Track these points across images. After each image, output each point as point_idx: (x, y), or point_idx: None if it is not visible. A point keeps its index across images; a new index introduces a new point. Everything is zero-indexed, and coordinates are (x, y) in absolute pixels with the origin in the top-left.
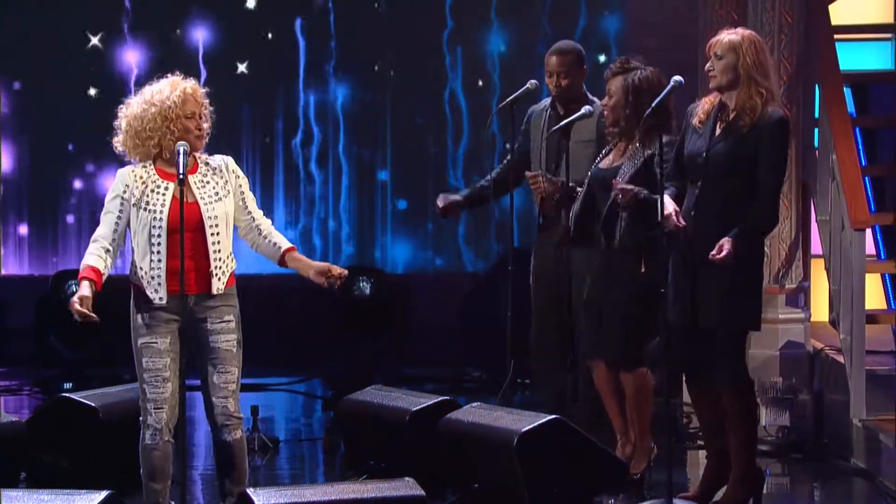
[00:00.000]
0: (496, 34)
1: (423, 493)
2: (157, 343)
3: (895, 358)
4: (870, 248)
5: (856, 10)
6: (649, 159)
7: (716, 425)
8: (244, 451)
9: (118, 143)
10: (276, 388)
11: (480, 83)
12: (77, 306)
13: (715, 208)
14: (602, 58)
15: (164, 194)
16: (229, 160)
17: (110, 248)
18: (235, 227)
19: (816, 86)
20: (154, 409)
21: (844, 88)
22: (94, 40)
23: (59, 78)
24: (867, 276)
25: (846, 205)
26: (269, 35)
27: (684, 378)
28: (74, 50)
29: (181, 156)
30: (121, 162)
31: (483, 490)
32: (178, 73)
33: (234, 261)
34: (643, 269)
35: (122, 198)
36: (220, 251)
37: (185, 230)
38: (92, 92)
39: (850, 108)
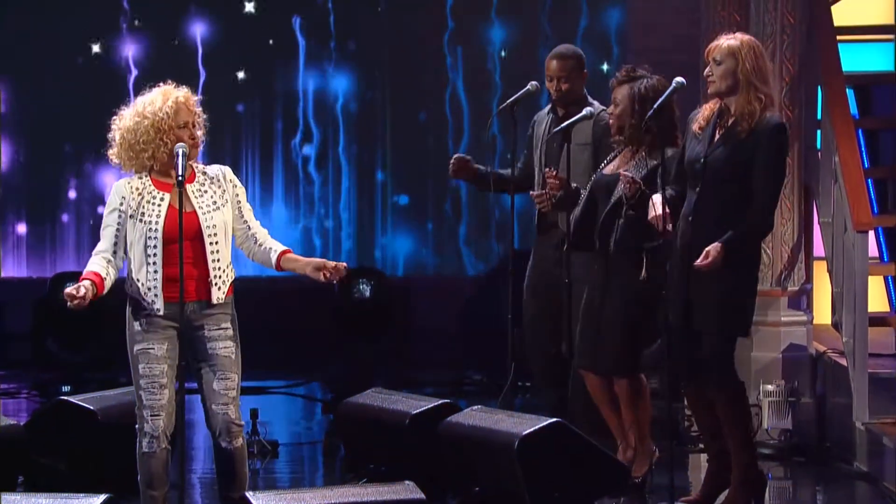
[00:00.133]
0: (497, 34)
1: (423, 496)
2: (153, 349)
3: None
4: (872, 250)
5: (856, 11)
6: (654, 170)
7: (714, 428)
8: (245, 458)
9: (113, 155)
10: (276, 391)
11: (481, 83)
12: (69, 290)
13: (713, 214)
14: (605, 67)
15: (159, 205)
16: (226, 169)
17: (112, 260)
18: (233, 237)
19: (819, 87)
20: (151, 416)
21: (847, 90)
22: (95, 48)
23: (57, 77)
24: (870, 278)
25: (849, 207)
26: (269, 31)
27: (682, 382)
28: (73, 49)
29: (180, 157)
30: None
31: (484, 494)
32: (170, 81)
33: (234, 271)
34: (643, 275)
35: (120, 210)
36: (218, 260)
37: (184, 239)
38: (91, 91)
39: (853, 109)
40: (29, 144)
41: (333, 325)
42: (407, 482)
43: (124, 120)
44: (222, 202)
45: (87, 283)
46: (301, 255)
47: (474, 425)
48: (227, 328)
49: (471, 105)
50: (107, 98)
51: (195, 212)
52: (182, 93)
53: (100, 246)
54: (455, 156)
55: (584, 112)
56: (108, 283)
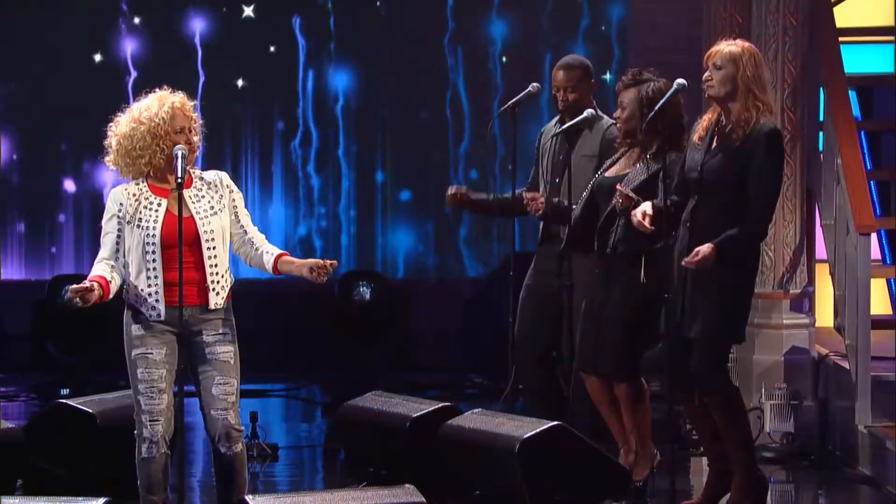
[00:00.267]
0: (498, 35)
1: (423, 500)
2: (152, 354)
3: None
4: (875, 252)
5: (857, 12)
6: (655, 174)
7: (712, 432)
8: (244, 464)
9: (109, 162)
10: (276, 395)
11: (482, 84)
12: (76, 286)
13: (711, 221)
14: (607, 76)
15: (156, 210)
16: (223, 175)
17: (115, 266)
18: (231, 242)
19: (821, 89)
20: (149, 421)
21: (849, 92)
22: (97, 56)
23: (56, 75)
24: (872, 281)
25: (851, 209)
26: (269, 31)
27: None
28: (73, 47)
29: (179, 159)
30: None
31: (484, 497)
32: (166, 87)
33: (233, 277)
34: (643, 278)
35: (118, 216)
36: (216, 265)
37: (182, 244)
38: (91, 91)
39: (856, 111)
40: (27, 145)
41: (333, 327)
42: (407, 486)
43: (120, 126)
44: (219, 207)
45: (94, 283)
46: (299, 258)
47: (475, 428)
48: (226, 333)
49: (471, 106)
50: (106, 99)
51: (192, 217)
52: (178, 98)
53: (102, 253)
54: (450, 191)
55: (585, 114)
56: (113, 288)
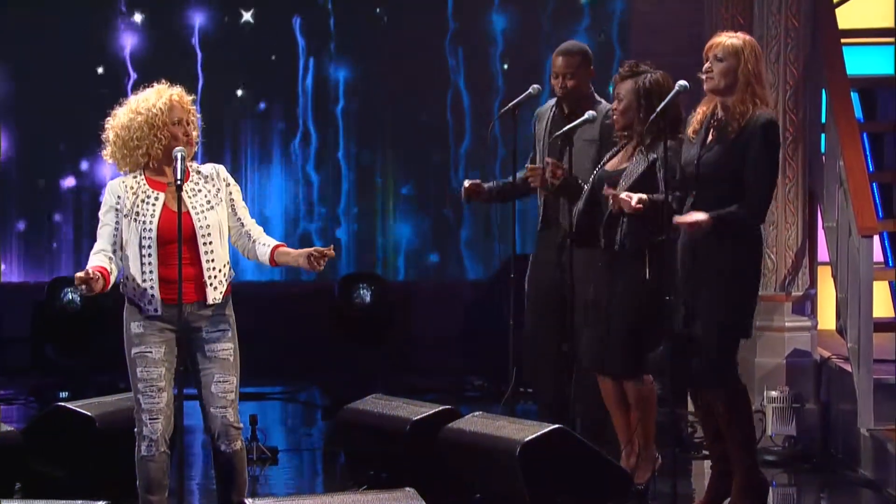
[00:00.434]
0: (498, 36)
1: (424, 503)
2: (151, 353)
3: None
4: (877, 255)
5: (858, 14)
6: (653, 164)
7: (716, 430)
8: (244, 462)
9: (107, 155)
10: (275, 397)
11: (482, 84)
12: (81, 273)
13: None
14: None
15: (153, 204)
16: (220, 168)
17: (112, 258)
18: (229, 235)
19: (823, 90)
20: (149, 419)
21: (852, 93)
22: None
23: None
24: (875, 283)
25: (853, 211)
26: (269, 32)
27: (688, 384)
28: (71, 46)
29: (178, 161)
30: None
31: (485, 500)
32: (164, 81)
33: (232, 270)
34: (647, 275)
35: (116, 209)
36: (213, 260)
37: (181, 242)
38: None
39: (858, 113)
40: (26, 146)
41: (333, 330)
42: (407, 489)
43: (118, 118)
44: (216, 201)
45: (98, 273)
46: (290, 248)
47: (475, 431)
48: (226, 330)
49: (472, 107)
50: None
51: (188, 212)
52: (176, 91)
53: (99, 245)
54: (465, 184)
55: (586, 115)
56: (112, 280)
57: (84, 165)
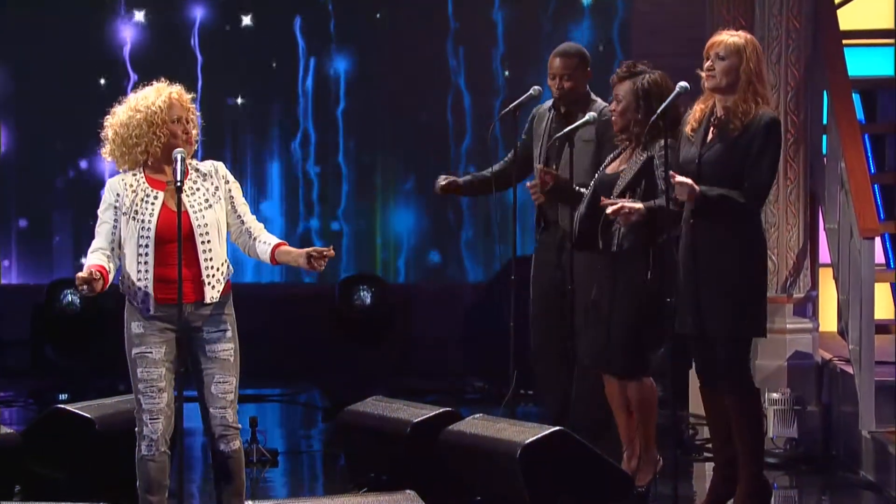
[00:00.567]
0: (499, 37)
1: None
2: (151, 353)
3: None
4: (879, 256)
5: (859, 15)
6: (648, 162)
7: (726, 435)
8: (242, 463)
9: (106, 152)
10: (275, 399)
11: (483, 85)
12: (82, 274)
13: (712, 213)
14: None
15: (153, 203)
16: (219, 165)
17: (111, 255)
18: (228, 232)
19: (824, 92)
20: (150, 420)
21: (853, 95)
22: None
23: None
24: (876, 285)
25: (855, 213)
26: (269, 32)
27: (699, 386)
28: (71, 46)
29: (178, 163)
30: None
31: (486, 503)
32: (162, 79)
33: (231, 268)
34: (649, 276)
35: (115, 207)
36: (211, 259)
37: (176, 239)
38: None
39: (859, 114)
40: (25, 145)
41: (334, 332)
42: (408, 491)
43: (117, 115)
44: (214, 199)
45: (98, 273)
46: (291, 248)
47: (476, 434)
48: (226, 330)
49: (473, 107)
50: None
51: (186, 212)
52: (176, 89)
53: (97, 242)
54: (440, 181)
55: (587, 117)
56: (110, 278)
57: (83, 164)
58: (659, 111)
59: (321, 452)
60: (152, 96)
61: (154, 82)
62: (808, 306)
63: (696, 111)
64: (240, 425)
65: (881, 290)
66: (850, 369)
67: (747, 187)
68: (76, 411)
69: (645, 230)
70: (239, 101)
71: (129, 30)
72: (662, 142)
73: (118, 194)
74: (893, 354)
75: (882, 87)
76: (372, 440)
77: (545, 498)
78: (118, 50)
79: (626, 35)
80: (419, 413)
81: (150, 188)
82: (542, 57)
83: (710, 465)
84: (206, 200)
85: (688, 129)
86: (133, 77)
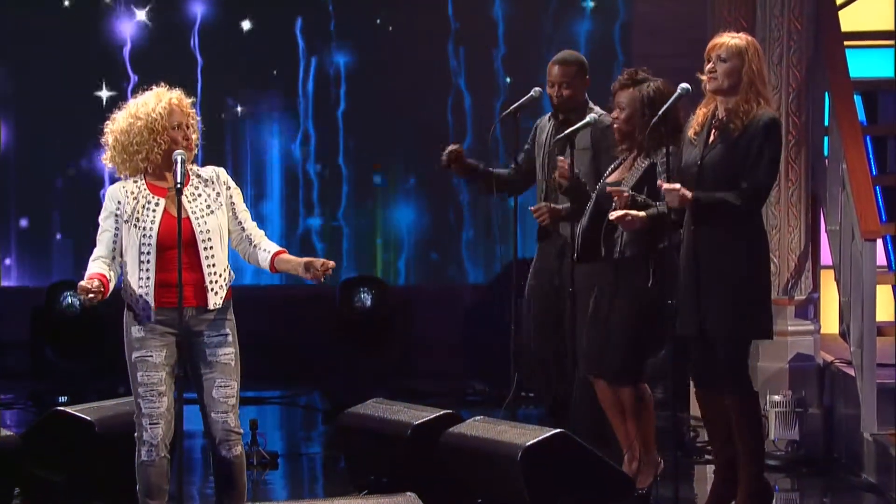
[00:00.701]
0: (500, 38)
1: None
2: (151, 357)
3: None
4: (880, 258)
5: (856, 16)
6: (650, 168)
7: (725, 437)
8: (244, 468)
9: (106, 159)
10: (275, 402)
11: (484, 87)
12: (83, 283)
13: (710, 218)
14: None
15: (154, 210)
16: (221, 171)
17: (111, 264)
18: (229, 239)
19: (826, 93)
20: (149, 424)
21: (855, 96)
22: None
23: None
24: (878, 287)
25: (856, 214)
26: (269, 32)
27: (695, 388)
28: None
29: (179, 165)
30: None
31: None
32: (163, 84)
33: (233, 274)
34: (650, 282)
35: (116, 215)
36: (214, 265)
37: (181, 247)
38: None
39: (861, 116)
40: (25, 146)
41: (334, 334)
42: (408, 494)
43: (118, 122)
44: (216, 205)
45: (99, 282)
46: (291, 256)
47: (477, 436)
48: (227, 334)
49: (473, 108)
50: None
51: (188, 218)
52: (175, 94)
53: (98, 251)
54: (448, 148)
55: (587, 119)
56: (111, 287)
57: (84, 170)
58: (660, 113)
59: (321, 455)
60: (152, 102)
61: (154, 87)
62: (809, 308)
63: (699, 115)
64: (242, 430)
65: (883, 293)
66: (851, 371)
67: (745, 188)
68: (76, 414)
69: (646, 237)
70: (239, 101)
71: (129, 29)
72: (668, 148)
73: (119, 202)
74: (894, 356)
75: (883, 88)
76: (372, 442)
77: (546, 500)
78: (118, 49)
79: (627, 36)
80: (420, 415)
81: (151, 195)
82: (542, 58)
83: (710, 468)
84: (209, 206)
85: (690, 132)
86: (133, 78)
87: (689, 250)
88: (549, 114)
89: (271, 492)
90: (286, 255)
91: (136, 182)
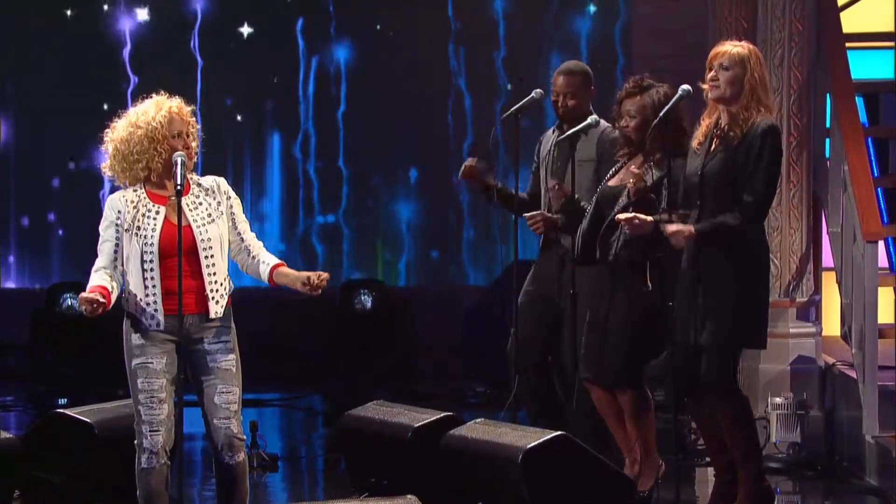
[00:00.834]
0: (501, 39)
1: None
2: (152, 363)
3: None
4: (882, 260)
5: (856, 17)
6: (660, 181)
7: (719, 440)
8: (246, 474)
9: (106, 167)
10: (276, 404)
11: (485, 88)
12: (85, 295)
13: (719, 240)
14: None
15: (154, 218)
16: (221, 181)
17: (113, 275)
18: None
19: (828, 95)
20: (150, 431)
21: (856, 98)
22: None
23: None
24: (879, 289)
25: (858, 216)
26: (270, 33)
27: (685, 396)
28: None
29: (179, 166)
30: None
31: None
32: (162, 91)
33: (232, 284)
34: (649, 287)
35: (117, 224)
36: (214, 273)
37: (181, 253)
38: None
39: (862, 117)
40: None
41: (334, 336)
42: (409, 496)
43: (117, 131)
44: (217, 214)
45: (100, 295)
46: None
47: (477, 438)
48: (227, 341)
49: (473, 109)
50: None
51: (189, 226)
52: (175, 102)
53: (99, 262)
54: (467, 162)
55: (588, 120)
56: (113, 298)
57: (83, 172)
58: (660, 115)
59: (322, 457)
60: (152, 111)
61: (154, 95)
62: (811, 310)
63: (703, 125)
64: (244, 436)
65: (884, 295)
66: (853, 374)
67: (744, 205)
68: (76, 416)
69: (642, 242)
70: (239, 101)
71: (129, 28)
72: (675, 162)
73: (119, 211)
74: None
75: (885, 90)
76: (373, 445)
77: (547, 503)
78: (118, 49)
79: (628, 36)
80: (420, 418)
81: (151, 203)
82: (543, 58)
83: (711, 470)
84: (210, 215)
85: (694, 143)
86: (133, 80)
87: (690, 255)
88: (552, 128)
89: (271, 494)
90: (285, 269)
91: (135, 191)
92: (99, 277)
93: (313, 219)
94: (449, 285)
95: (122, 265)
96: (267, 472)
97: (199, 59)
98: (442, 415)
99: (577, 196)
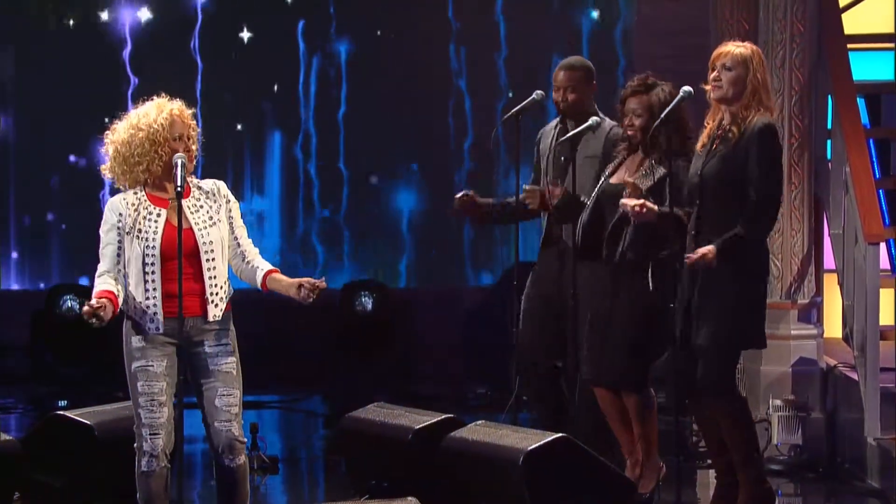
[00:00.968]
0: (502, 40)
1: None
2: (152, 366)
3: None
4: (884, 262)
5: (856, 18)
6: (663, 179)
7: (721, 442)
8: (246, 476)
9: (106, 169)
10: (276, 406)
11: (486, 89)
12: (91, 304)
13: (716, 225)
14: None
15: (156, 221)
16: (221, 184)
17: (118, 279)
18: None
19: (829, 96)
20: (150, 435)
21: (858, 99)
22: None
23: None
24: (881, 291)
25: (860, 218)
26: (270, 34)
27: (686, 397)
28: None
29: (179, 168)
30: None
31: None
32: (163, 94)
33: (232, 288)
34: (651, 286)
35: (118, 227)
36: (215, 276)
37: (183, 255)
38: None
39: (864, 119)
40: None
41: (335, 338)
42: (410, 498)
43: (118, 133)
44: (218, 218)
45: (104, 300)
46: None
47: (478, 440)
48: (227, 344)
49: (474, 110)
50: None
51: (191, 228)
52: (177, 105)
53: (103, 266)
54: (459, 195)
55: (589, 121)
56: (119, 302)
57: (83, 172)
58: (661, 116)
59: (322, 459)
60: (153, 113)
61: (155, 97)
62: (812, 312)
63: (707, 128)
64: (245, 439)
65: (886, 296)
66: (854, 375)
67: (749, 217)
68: (76, 418)
69: (647, 242)
70: (239, 101)
71: (129, 28)
72: (676, 163)
73: (120, 213)
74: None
75: (887, 91)
76: (373, 447)
77: None
78: (118, 48)
79: (629, 37)
80: (421, 419)
81: (152, 206)
82: (545, 60)
83: (713, 472)
84: (210, 218)
85: (698, 145)
86: (133, 80)
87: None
88: (554, 122)
89: (272, 497)
90: (278, 275)
91: (136, 193)
92: (103, 282)
93: (313, 218)
94: (449, 286)
95: (124, 268)
96: (267, 474)
97: (199, 59)
98: (442, 417)
99: (577, 195)
